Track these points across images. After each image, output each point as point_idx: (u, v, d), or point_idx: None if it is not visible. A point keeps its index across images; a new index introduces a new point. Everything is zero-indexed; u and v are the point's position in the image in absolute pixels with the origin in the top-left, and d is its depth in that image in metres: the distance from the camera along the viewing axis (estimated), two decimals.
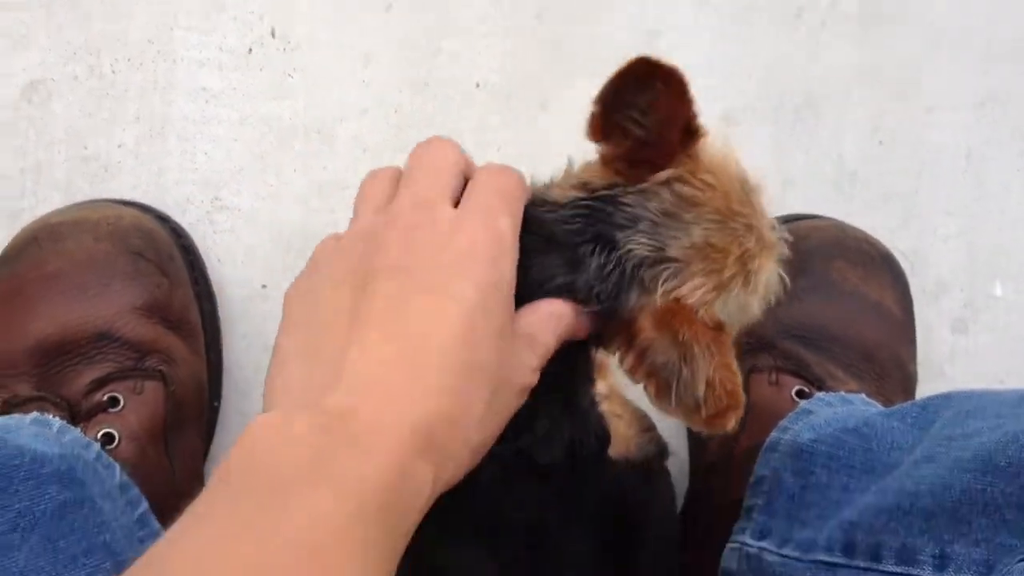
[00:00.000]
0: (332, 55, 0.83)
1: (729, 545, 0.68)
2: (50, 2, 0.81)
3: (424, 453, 0.39)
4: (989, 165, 0.88)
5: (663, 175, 0.50)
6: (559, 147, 0.80)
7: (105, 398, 0.67)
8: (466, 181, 0.49)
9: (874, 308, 0.77)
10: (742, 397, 0.50)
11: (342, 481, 0.36)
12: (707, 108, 0.83)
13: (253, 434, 0.38)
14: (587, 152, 0.54)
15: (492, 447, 0.45)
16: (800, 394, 0.72)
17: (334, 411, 0.39)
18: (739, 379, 0.50)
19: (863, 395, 0.71)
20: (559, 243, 0.50)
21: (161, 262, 0.73)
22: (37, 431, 0.62)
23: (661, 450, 0.71)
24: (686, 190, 0.50)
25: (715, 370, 0.49)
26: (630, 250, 0.49)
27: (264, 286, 0.81)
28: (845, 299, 0.76)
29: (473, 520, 0.53)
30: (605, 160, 0.53)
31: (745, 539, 0.66)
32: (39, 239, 0.72)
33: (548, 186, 0.53)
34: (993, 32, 0.90)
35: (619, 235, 0.50)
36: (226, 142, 0.82)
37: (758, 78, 0.87)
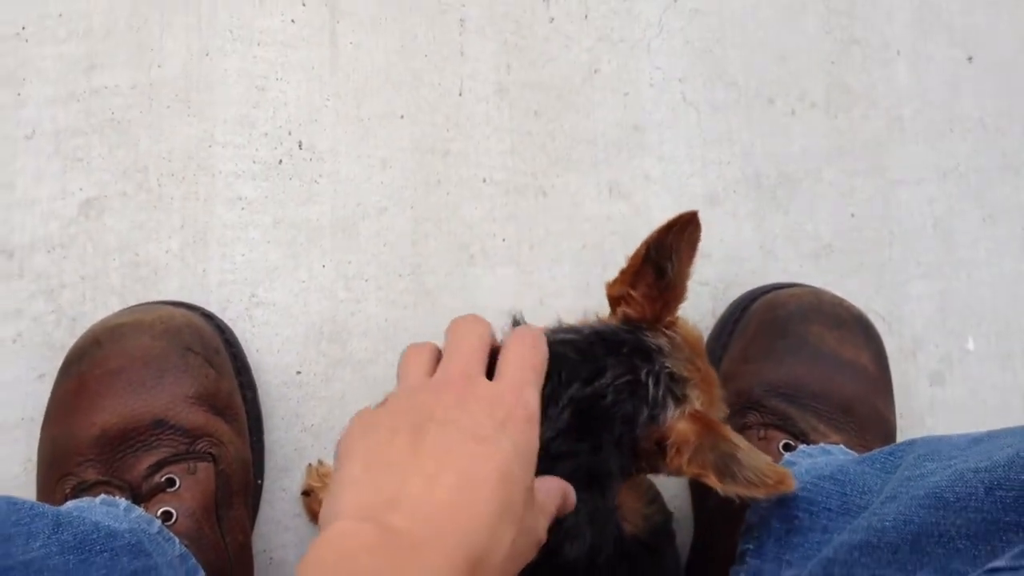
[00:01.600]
0: (353, 162, 0.93)
1: None
2: (102, 127, 0.90)
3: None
4: (955, 231, 0.96)
5: (670, 319, 0.68)
6: (558, 234, 0.89)
7: (163, 479, 0.75)
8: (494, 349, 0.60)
9: (850, 366, 0.84)
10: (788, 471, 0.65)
11: None
12: (691, 190, 0.93)
13: (331, 538, 0.46)
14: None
15: None
16: (786, 447, 0.79)
17: (401, 528, 0.46)
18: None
19: (842, 446, 0.78)
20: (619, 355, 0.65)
21: (208, 355, 0.81)
22: (107, 510, 0.70)
23: (667, 517, 0.78)
24: (676, 336, 0.67)
25: (757, 455, 0.65)
26: (667, 368, 0.65)
27: (299, 372, 0.89)
28: (823, 359, 0.83)
29: None
30: (628, 300, 0.69)
31: None
32: (100, 340, 0.80)
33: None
34: (952, 109, 0.98)
35: (655, 356, 0.66)
36: (261, 244, 0.90)
37: (736, 162, 0.95)
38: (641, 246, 0.68)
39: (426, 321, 0.91)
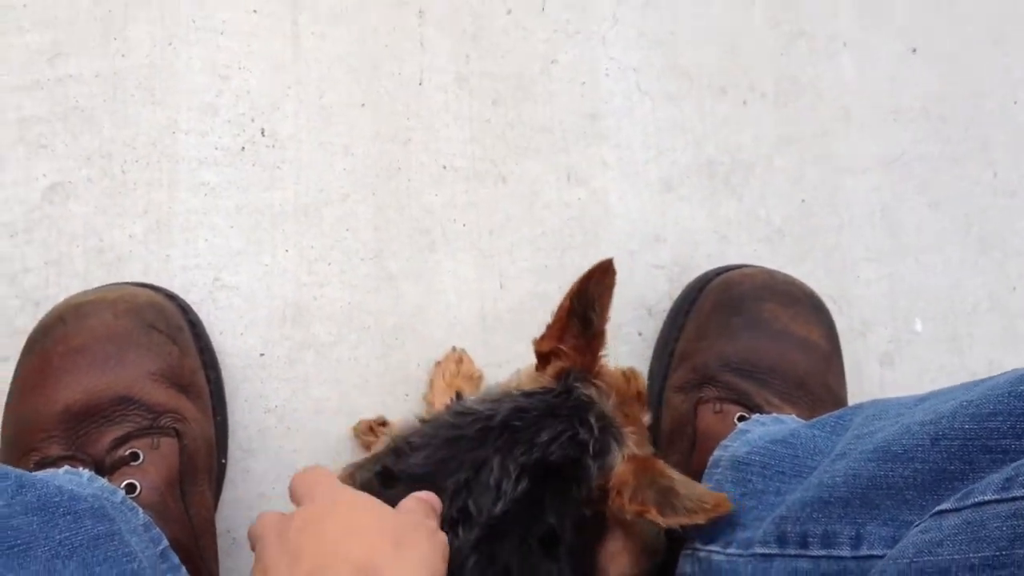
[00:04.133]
0: (315, 149, 0.94)
1: (683, 552, 0.76)
2: (67, 115, 0.91)
3: None
4: (901, 217, 0.99)
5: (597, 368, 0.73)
6: (518, 220, 0.91)
7: (127, 453, 0.75)
8: None
9: (803, 342, 0.86)
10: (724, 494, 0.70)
11: None
12: (647, 177, 0.95)
13: None
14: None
15: None
16: (741, 419, 0.81)
17: None
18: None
19: (794, 416, 0.80)
20: (555, 415, 0.68)
21: (172, 333, 0.82)
22: (70, 478, 0.71)
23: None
24: (603, 384, 0.72)
25: (693, 485, 0.69)
26: (603, 416, 0.69)
27: (262, 355, 0.90)
28: (776, 336, 0.86)
29: None
30: (560, 354, 0.73)
31: (696, 545, 0.75)
32: (64, 318, 0.80)
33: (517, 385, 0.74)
34: (896, 100, 1.01)
35: (594, 407, 0.70)
36: (224, 229, 0.92)
37: (690, 150, 0.98)
38: (565, 300, 0.71)
39: (388, 305, 0.92)
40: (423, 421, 0.71)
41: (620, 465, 0.69)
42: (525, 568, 0.64)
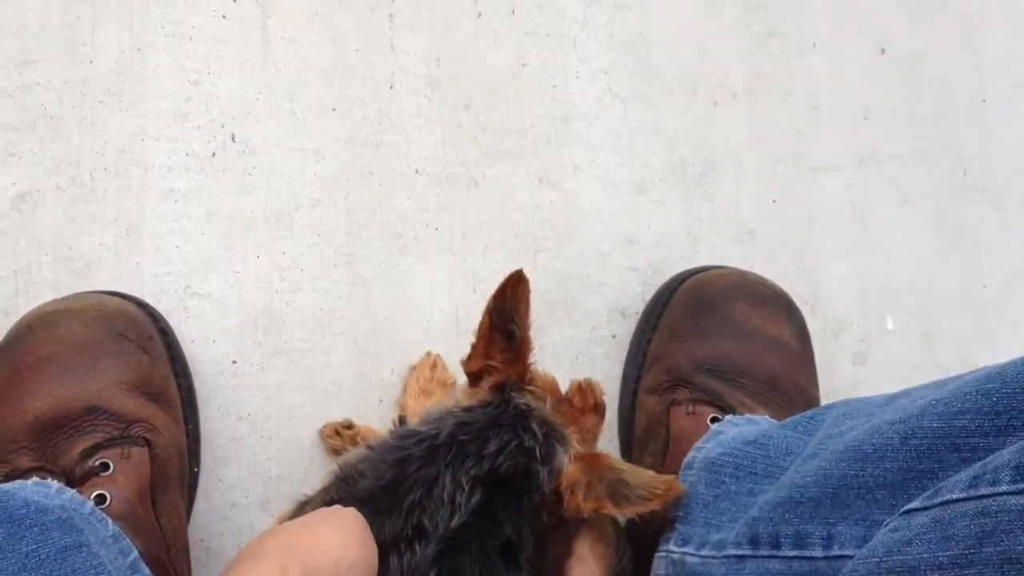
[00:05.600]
0: (286, 154, 0.94)
1: (657, 554, 0.76)
2: (34, 123, 0.90)
3: None
4: (872, 215, 1.00)
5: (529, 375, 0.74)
6: (490, 223, 0.91)
7: (96, 463, 0.75)
8: None
9: (774, 342, 0.86)
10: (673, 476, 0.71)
11: None
12: (619, 179, 0.95)
13: None
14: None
15: None
16: (714, 421, 0.81)
17: None
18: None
19: (767, 416, 0.81)
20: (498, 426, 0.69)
21: (142, 342, 0.82)
22: (38, 490, 0.70)
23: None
24: (536, 389, 0.73)
25: (642, 473, 0.70)
26: (544, 420, 0.71)
27: (234, 362, 0.90)
28: (748, 336, 0.86)
29: None
30: (490, 370, 0.74)
31: (670, 547, 0.75)
32: (33, 327, 0.80)
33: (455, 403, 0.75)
34: (867, 98, 1.02)
35: (534, 413, 0.71)
36: (195, 236, 0.91)
37: (662, 151, 0.98)
38: (484, 317, 0.72)
39: (361, 310, 0.92)
40: (369, 448, 0.71)
41: (568, 466, 0.70)
42: None
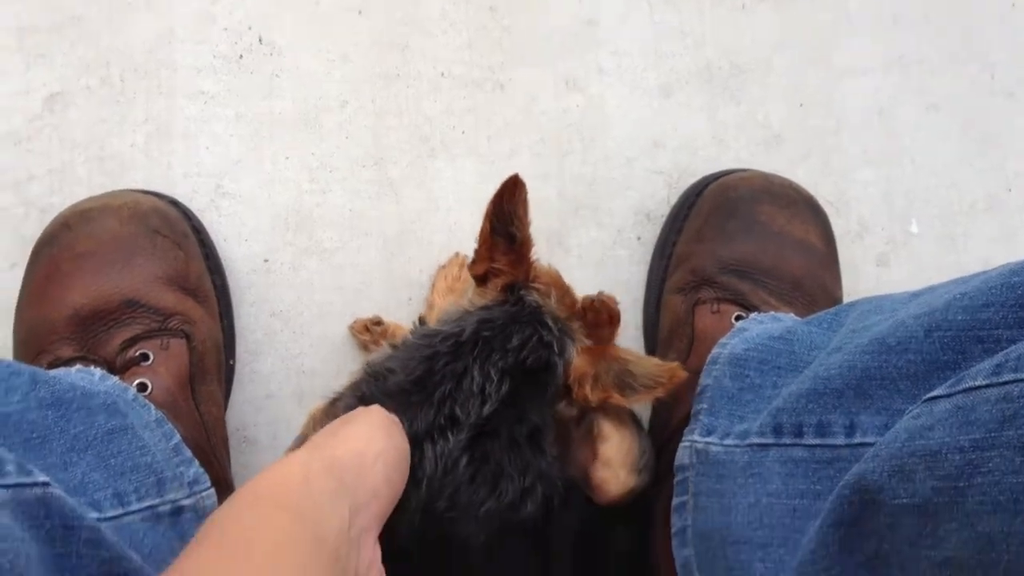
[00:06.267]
0: (312, 56, 0.94)
1: (681, 444, 0.78)
2: (61, 25, 0.91)
3: None
4: (899, 120, 0.99)
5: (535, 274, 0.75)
6: (516, 127, 0.92)
7: (137, 354, 0.77)
8: None
9: (799, 243, 0.87)
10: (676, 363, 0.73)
11: None
12: (645, 83, 0.95)
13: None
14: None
15: (485, 504, 0.65)
16: (739, 319, 0.82)
17: None
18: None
19: (792, 315, 0.82)
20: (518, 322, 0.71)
21: (177, 238, 0.83)
22: (82, 376, 0.72)
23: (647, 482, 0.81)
24: (541, 286, 0.74)
25: (647, 362, 0.73)
26: (553, 315, 0.73)
27: (266, 260, 0.91)
28: (773, 237, 0.87)
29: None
30: (496, 272, 0.75)
31: (694, 438, 0.76)
32: (70, 224, 0.81)
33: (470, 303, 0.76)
34: (897, 4, 1.01)
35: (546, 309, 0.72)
36: (224, 137, 0.92)
37: (689, 55, 0.98)
38: (484, 222, 0.73)
39: (389, 211, 0.93)
40: (394, 347, 0.73)
41: (576, 358, 0.73)
42: (517, 463, 0.67)
